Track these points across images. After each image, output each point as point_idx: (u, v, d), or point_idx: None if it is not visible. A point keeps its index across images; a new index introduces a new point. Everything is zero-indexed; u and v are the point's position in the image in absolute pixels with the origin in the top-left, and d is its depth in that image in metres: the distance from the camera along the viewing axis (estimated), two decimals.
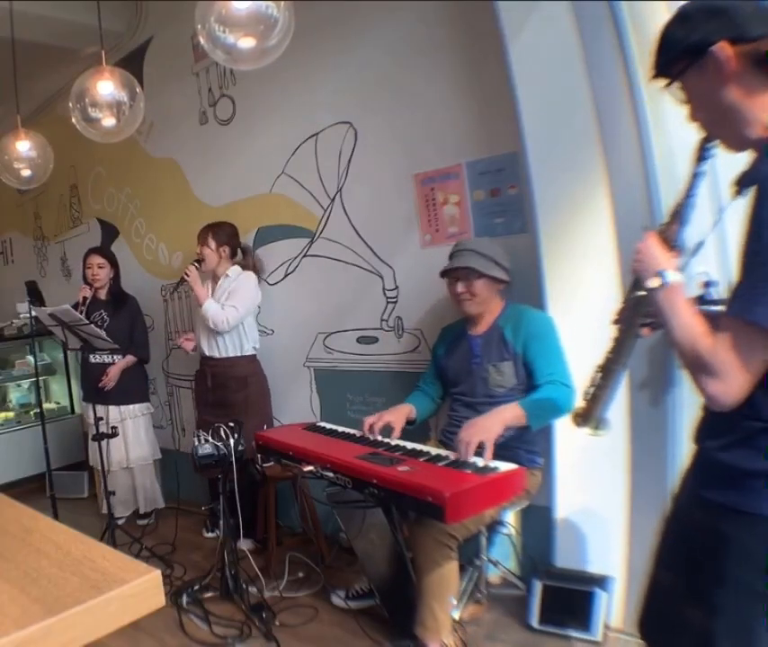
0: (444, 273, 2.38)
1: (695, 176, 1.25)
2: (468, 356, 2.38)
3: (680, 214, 1.27)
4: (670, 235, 1.27)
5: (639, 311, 1.34)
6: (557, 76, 2.20)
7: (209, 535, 3.56)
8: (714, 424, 1.17)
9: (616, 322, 1.42)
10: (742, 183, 1.10)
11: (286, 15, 1.94)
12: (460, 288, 2.32)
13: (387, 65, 2.81)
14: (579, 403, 1.48)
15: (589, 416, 1.43)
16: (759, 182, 1.02)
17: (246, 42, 1.97)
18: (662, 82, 1.20)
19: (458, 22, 2.56)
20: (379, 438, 2.31)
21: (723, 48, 1.06)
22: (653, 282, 1.19)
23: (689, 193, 1.26)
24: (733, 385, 1.05)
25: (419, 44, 2.69)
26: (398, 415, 2.39)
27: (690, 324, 1.12)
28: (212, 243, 3.24)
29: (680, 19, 1.13)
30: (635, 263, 1.27)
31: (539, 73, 2.23)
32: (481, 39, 2.46)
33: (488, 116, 2.53)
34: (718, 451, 1.15)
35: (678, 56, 1.13)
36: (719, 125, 1.16)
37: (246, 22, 1.92)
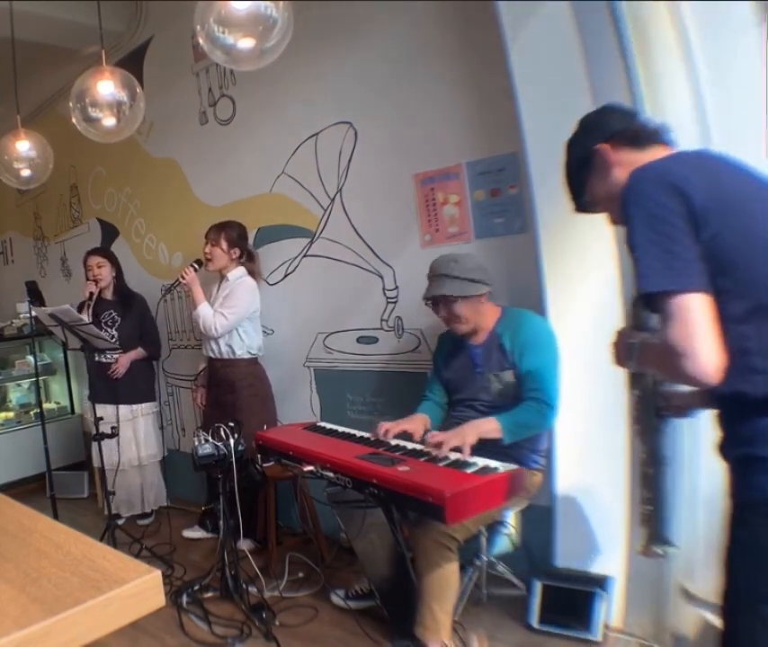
0: (425, 298, 2.34)
1: None
2: (470, 365, 2.37)
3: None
4: (640, 320, 1.34)
5: (650, 404, 1.41)
6: (557, 76, 2.20)
7: (196, 534, 3.54)
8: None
9: (636, 422, 1.47)
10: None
11: (285, 16, 1.94)
12: (443, 313, 2.32)
13: (387, 65, 2.81)
14: (641, 532, 1.45)
15: (650, 539, 1.42)
16: (623, 193, 1.22)
17: (246, 43, 1.96)
18: (581, 207, 1.45)
19: (458, 23, 2.56)
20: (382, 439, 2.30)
21: (601, 146, 1.36)
22: (629, 363, 1.34)
23: None
24: (697, 356, 1.06)
25: (419, 44, 2.68)
26: (417, 424, 2.35)
27: (648, 349, 1.25)
28: (224, 244, 3.20)
29: (568, 147, 1.45)
30: (615, 359, 1.39)
31: (539, 73, 2.23)
32: (481, 39, 2.46)
33: (488, 116, 2.53)
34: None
35: (579, 172, 1.41)
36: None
37: (246, 23, 1.92)
